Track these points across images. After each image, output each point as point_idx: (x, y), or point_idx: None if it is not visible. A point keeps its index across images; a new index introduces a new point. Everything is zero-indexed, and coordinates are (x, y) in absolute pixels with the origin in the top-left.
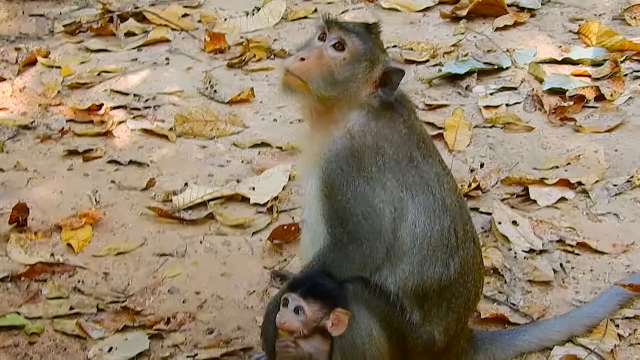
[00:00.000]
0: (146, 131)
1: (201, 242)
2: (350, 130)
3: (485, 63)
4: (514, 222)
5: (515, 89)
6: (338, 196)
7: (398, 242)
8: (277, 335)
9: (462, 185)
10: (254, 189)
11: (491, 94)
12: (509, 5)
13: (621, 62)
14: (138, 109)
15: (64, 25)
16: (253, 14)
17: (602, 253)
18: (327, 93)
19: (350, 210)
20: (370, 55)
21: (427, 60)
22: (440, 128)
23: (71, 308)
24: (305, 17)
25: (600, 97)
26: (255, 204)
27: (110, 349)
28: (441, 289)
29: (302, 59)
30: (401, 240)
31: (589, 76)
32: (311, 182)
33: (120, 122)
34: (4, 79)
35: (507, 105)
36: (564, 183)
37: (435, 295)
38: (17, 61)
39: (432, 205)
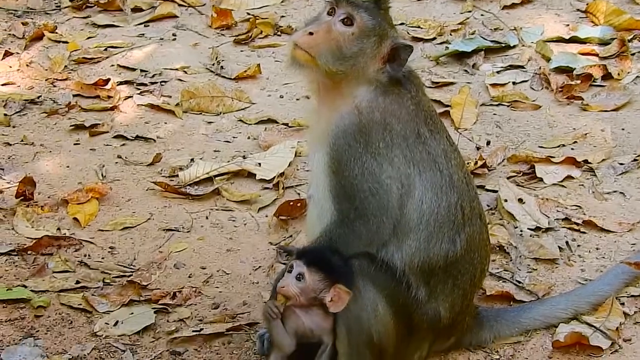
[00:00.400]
0: (153, 106)
1: (207, 218)
2: (358, 106)
3: (492, 41)
4: (520, 200)
5: (522, 67)
6: (345, 172)
7: (405, 218)
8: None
9: (468, 163)
10: (260, 164)
11: (498, 72)
12: None
13: (629, 40)
14: (145, 85)
15: (71, 0)
16: None
17: (608, 231)
18: (335, 68)
19: (357, 186)
20: (379, 31)
21: (434, 38)
22: (447, 106)
23: (77, 282)
24: None
25: (607, 76)
26: (262, 180)
27: (116, 322)
28: (447, 265)
29: (311, 33)
30: (408, 216)
31: (597, 55)
32: (318, 157)
33: (126, 97)
34: (11, 54)
35: (514, 83)
36: (571, 161)
37: (441, 272)
38: (24, 36)
39: (439, 181)
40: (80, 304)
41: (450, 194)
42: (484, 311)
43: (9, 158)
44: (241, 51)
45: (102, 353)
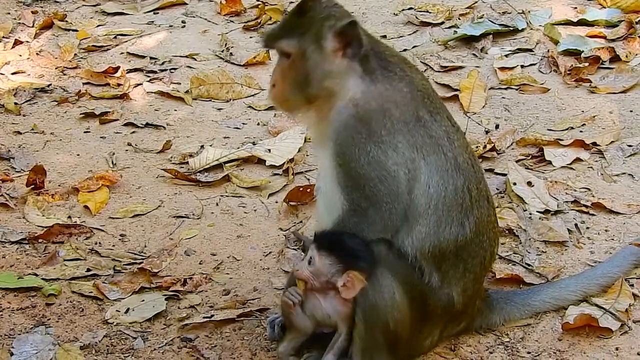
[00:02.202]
0: (162, 94)
1: (217, 204)
2: (353, 97)
3: (500, 25)
4: (529, 183)
5: (530, 50)
6: (352, 163)
7: (413, 204)
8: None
9: (477, 147)
10: (269, 151)
11: (506, 55)
12: None
13: (636, 23)
14: (154, 72)
15: None
16: None
17: (617, 213)
18: (311, 92)
19: (365, 175)
20: (310, 37)
21: (443, 22)
22: (456, 90)
23: (88, 270)
24: None
25: (615, 58)
26: (271, 166)
27: (127, 310)
28: (457, 249)
29: (274, 85)
30: (416, 201)
31: (604, 37)
32: (324, 153)
33: (136, 85)
34: (21, 42)
35: (522, 66)
36: (579, 144)
37: (452, 256)
38: (33, 24)
39: (444, 164)
40: (91, 292)
41: (456, 177)
42: (494, 294)
43: (19, 147)
44: (250, 37)
45: (113, 340)
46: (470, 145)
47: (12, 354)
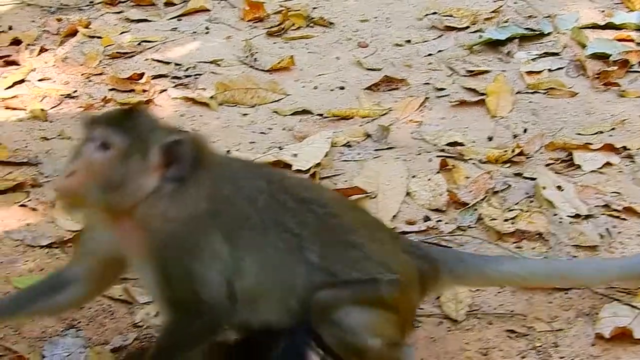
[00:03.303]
0: (187, 99)
1: None
2: (164, 214)
3: (526, 29)
4: (559, 187)
5: (557, 54)
6: (173, 281)
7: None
8: None
9: (505, 151)
10: (296, 155)
11: (533, 59)
12: None
13: None
14: (179, 78)
15: None
16: None
17: None
18: (112, 200)
19: (189, 289)
20: (138, 145)
21: (468, 27)
22: (482, 94)
23: None
24: None
25: None
26: (298, 171)
27: (157, 313)
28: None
29: (70, 175)
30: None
31: (633, 40)
32: (144, 273)
33: (161, 91)
34: (46, 50)
35: (549, 70)
36: (609, 148)
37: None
38: (58, 32)
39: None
40: (121, 295)
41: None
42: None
43: (46, 152)
44: (274, 43)
45: (143, 343)
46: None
47: (43, 357)
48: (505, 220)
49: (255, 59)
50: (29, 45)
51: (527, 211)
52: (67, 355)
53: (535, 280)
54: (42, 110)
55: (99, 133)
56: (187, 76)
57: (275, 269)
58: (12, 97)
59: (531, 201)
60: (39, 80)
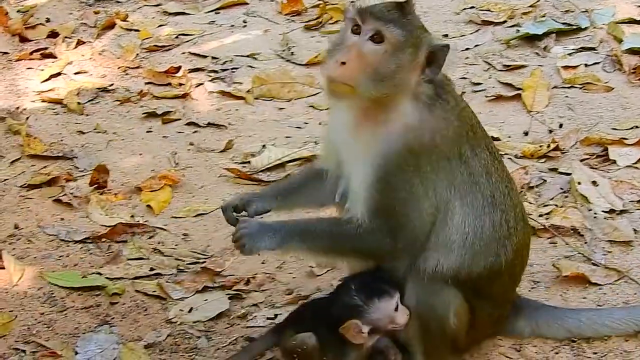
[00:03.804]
0: (224, 93)
1: None
2: (407, 125)
3: (563, 23)
4: (594, 183)
5: (594, 49)
6: (392, 193)
7: (446, 237)
8: None
9: (540, 146)
10: None
11: (570, 54)
12: None
13: None
14: (216, 71)
15: None
16: None
17: None
18: (378, 92)
19: (398, 203)
20: (412, 40)
21: (505, 21)
22: (519, 89)
23: (151, 269)
24: None
25: None
26: None
27: (191, 309)
28: (491, 274)
29: (343, 63)
30: (450, 237)
31: None
32: (358, 173)
33: (198, 85)
34: (84, 42)
35: (585, 65)
36: None
37: (485, 279)
38: (96, 24)
39: (481, 204)
40: (155, 291)
41: (493, 213)
42: (525, 301)
43: (82, 146)
44: (311, 37)
45: (177, 339)
46: (507, 170)
47: (76, 353)
48: (540, 215)
49: (292, 52)
50: (66, 37)
51: (562, 206)
52: (100, 352)
53: None
54: (79, 103)
55: (373, 25)
56: (223, 70)
57: (473, 224)
58: (48, 90)
59: (566, 196)
60: (76, 73)
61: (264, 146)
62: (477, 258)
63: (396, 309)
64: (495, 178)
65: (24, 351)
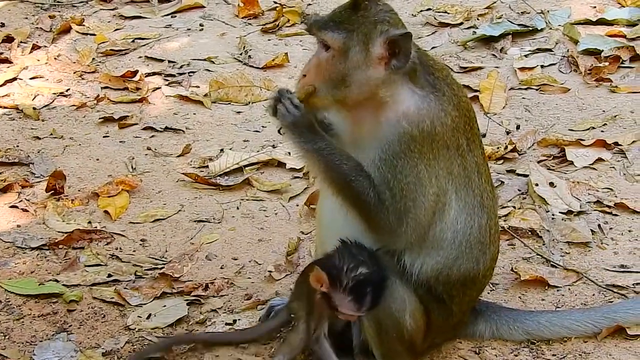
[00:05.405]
0: (181, 97)
1: (238, 208)
2: (405, 112)
3: (519, 25)
4: (551, 184)
5: (550, 50)
6: (399, 175)
7: (438, 234)
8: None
9: (498, 148)
10: (289, 154)
11: (526, 55)
12: None
13: None
14: (173, 75)
15: None
16: None
17: (639, 213)
18: (339, 94)
19: (404, 188)
20: (357, 38)
21: (462, 23)
22: (476, 90)
23: (109, 275)
24: None
25: (635, 57)
26: (292, 169)
27: (149, 315)
28: (466, 281)
29: (304, 76)
30: (442, 233)
31: (624, 36)
32: (360, 154)
33: (155, 89)
34: (39, 47)
35: (542, 66)
36: (601, 144)
37: (459, 284)
38: (51, 29)
39: (472, 202)
40: (113, 298)
41: (481, 215)
42: (484, 305)
43: (38, 152)
44: (268, 40)
45: (135, 346)
46: (490, 175)
47: None
48: (499, 217)
49: (250, 56)
50: (21, 42)
51: (520, 208)
52: (58, 359)
53: None
54: (34, 109)
55: (320, 35)
56: (180, 74)
57: (464, 222)
58: (3, 96)
59: (524, 198)
60: (31, 78)
61: (221, 150)
62: (459, 261)
63: (358, 309)
64: (484, 178)
65: None
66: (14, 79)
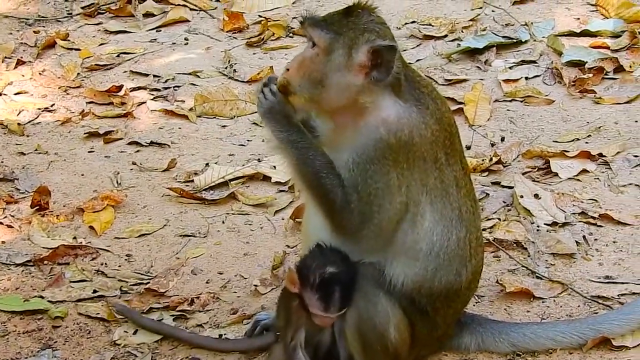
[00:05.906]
0: (166, 112)
1: (223, 222)
2: (385, 119)
3: (503, 37)
4: (536, 196)
5: (534, 62)
6: (369, 180)
7: (413, 246)
8: None
9: (482, 160)
10: (275, 167)
11: (510, 67)
12: None
13: (639, 33)
14: (158, 90)
15: (83, 7)
16: None
17: (624, 224)
18: (314, 93)
19: (372, 193)
20: (343, 41)
21: (446, 36)
22: (461, 103)
23: (95, 291)
24: None
25: (619, 69)
26: (277, 183)
27: (135, 331)
28: (449, 293)
29: (287, 70)
30: (417, 245)
31: (608, 48)
32: (342, 159)
33: (140, 103)
34: (24, 62)
35: (526, 78)
36: (585, 155)
37: (443, 297)
38: (36, 44)
39: (450, 215)
40: (98, 313)
41: (459, 228)
42: (469, 317)
43: (23, 167)
44: (254, 54)
45: None
46: (473, 189)
47: None
48: (484, 229)
49: (235, 70)
50: (5, 57)
51: (505, 220)
52: None
53: None
54: (19, 124)
55: (310, 31)
56: (166, 88)
57: (441, 233)
58: None
59: (509, 210)
60: (16, 93)
61: (207, 164)
62: (440, 273)
63: (326, 308)
64: (463, 193)
65: None
66: None
